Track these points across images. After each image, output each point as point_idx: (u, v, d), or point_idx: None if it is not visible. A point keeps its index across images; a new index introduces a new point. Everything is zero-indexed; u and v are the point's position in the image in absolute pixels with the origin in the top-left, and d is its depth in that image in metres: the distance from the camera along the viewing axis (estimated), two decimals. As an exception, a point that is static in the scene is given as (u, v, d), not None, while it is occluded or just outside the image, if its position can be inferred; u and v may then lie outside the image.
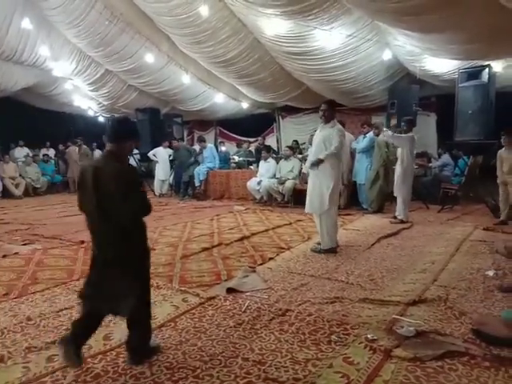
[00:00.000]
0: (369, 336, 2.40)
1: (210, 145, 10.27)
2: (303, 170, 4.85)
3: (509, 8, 3.71)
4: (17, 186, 10.32)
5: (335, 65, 7.73)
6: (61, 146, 12.88)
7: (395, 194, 6.30)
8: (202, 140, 9.94)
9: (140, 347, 2.18)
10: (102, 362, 2.17)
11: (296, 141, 10.58)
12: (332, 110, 4.46)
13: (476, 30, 4.74)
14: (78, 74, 10.47)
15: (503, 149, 5.78)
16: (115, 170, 2.04)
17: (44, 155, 12.15)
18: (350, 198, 7.48)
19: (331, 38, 6.69)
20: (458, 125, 6.93)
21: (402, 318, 2.67)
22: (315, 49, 7.28)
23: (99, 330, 2.25)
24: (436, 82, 8.17)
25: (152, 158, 10.34)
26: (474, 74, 6.83)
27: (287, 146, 8.80)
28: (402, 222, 6.01)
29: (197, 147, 10.15)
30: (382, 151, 6.78)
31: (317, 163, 4.29)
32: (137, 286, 2.11)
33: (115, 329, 2.54)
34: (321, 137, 4.41)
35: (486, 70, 6.64)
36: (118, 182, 2.01)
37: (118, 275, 2.08)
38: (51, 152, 13.19)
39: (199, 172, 9.50)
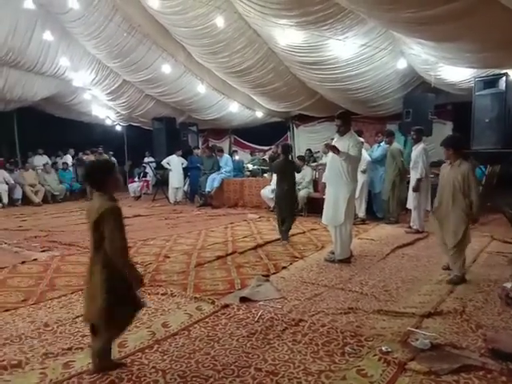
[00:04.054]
0: (383, 348, 2.38)
1: (226, 155, 10.60)
2: (323, 180, 4.83)
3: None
4: (36, 193, 10.55)
5: (349, 74, 7.71)
6: (80, 154, 13.13)
7: (408, 206, 6.23)
8: (219, 150, 10.37)
9: (287, 230, 5.50)
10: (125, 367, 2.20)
11: (309, 149, 10.59)
12: (347, 123, 4.46)
13: (491, 39, 4.69)
14: (97, 84, 10.70)
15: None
16: (291, 161, 6.16)
17: (63, 163, 12.40)
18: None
19: (345, 48, 6.68)
20: (475, 133, 6.84)
21: (417, 330, 2.64)
22: (329, 58, 7.29)
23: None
24: (452, 90, 8.08)
25: (165, 166, 10.48)
26: (490, 82, 6.76)
27: (298, 157, 8.80)
28: (417, 231, 5.94)
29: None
30: (398, 160, 6.70)
31: (336, 151, 4.14)
32: (293, 204, 5.64)
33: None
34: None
35: (503, 78, 6.56)
36: (293, 164, 5.83)
37: (287, 198, 5.42)
38: (69, 159, 13.41)
39: (214, 179, 9.59)
